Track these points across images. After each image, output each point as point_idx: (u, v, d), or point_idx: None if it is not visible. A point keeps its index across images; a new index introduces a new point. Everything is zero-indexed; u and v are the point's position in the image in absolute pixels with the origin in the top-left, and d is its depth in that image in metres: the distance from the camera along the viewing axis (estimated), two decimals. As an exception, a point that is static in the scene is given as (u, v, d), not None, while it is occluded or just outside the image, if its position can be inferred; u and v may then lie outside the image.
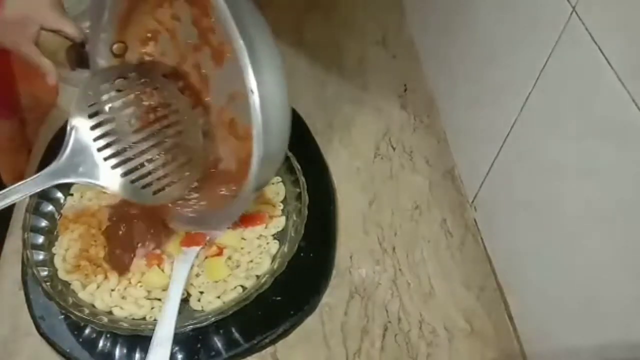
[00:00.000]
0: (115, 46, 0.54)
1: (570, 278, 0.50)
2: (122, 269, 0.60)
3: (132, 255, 0.60)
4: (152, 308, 0.58)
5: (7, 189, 0.47)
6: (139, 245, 0.61)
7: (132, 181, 0.51)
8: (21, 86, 0.80)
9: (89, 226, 0.63)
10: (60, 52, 0.54)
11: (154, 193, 0.52)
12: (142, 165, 0.52)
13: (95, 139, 0.49)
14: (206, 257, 0.62)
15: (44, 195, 0.64)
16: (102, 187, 0.50)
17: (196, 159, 0.55)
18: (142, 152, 0.52)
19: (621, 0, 0.40)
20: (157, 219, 0.61)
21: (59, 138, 0.73)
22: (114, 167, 0.50)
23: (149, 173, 0.52)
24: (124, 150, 0.51)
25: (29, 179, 0.47)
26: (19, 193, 0.47)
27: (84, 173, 0.49)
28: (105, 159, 0.50)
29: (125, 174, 0.51)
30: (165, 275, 0.60)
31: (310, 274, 0.63)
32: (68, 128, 0.49)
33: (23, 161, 0.75)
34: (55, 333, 0.58)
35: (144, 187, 0.52)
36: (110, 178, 0.50)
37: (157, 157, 0.53)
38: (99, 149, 0.50)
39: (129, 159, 0.51)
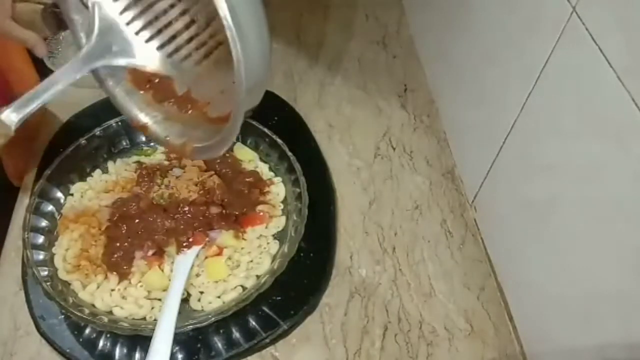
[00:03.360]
0: None
1: (570, 278, 0.50)
2: (121, 273, 0.60)
3: (132, 257, 0.60)
4: (152, 308, 0.58)
5: (44, 81, 0.44)
6: (138, 249, 0.61)
7: (170, 54, 0.47)
8: (11, 77, 0.79)
9: (89, 226, 0.63)
10: (37, 20, 0.53)
11: (196, 64, 0.47)
12: (176, 35, 0.47)
13: (122, 12, 0.45)
14: (206, 257, 0.62)
15: (44, 195, 0.64)
16: (141, 65, 0.45)
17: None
18: (173, 20, 0.47)
19: (621, 0, 0.40)
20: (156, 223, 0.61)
21: (59, 136, 0.74)
22: (148, 40, 0.46)
23: (186, 43, 0.47)
24: (154, 20, 0.46)
25: (63, 67, 0.43)
26: (58, 84, 0.43)
27: (118, 52, 0.45)
28: (137, 32, 0.45)
29: (161, 47, 0.46)
30: (165, 275, 0.60)
31: (310, 274, 0.63)
32: (90, 6, 0.45)
33: (26, 158, 0.75)
34: (55, 333, 0.58)
35: (183, 59, 0.47)
36: (146, 54, 0.45)
37: (190, 24, 0.47)
38: (128, 23, 0.45)
39: (161, 30, 0.46)
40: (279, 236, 0.64)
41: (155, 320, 0.57)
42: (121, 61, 0.45)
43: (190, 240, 0.61)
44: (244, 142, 0.72)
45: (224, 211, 0.63)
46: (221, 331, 0.58)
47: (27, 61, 0.83)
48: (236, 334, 0.58)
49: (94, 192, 0.67)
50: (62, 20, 0.52)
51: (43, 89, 0.43)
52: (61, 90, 0.44)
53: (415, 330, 0.61)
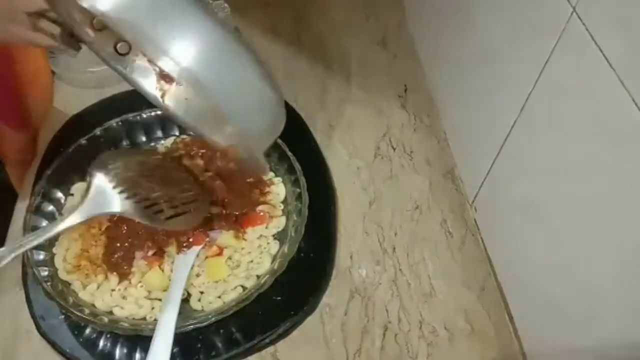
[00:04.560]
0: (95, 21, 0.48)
1: (570, 278, 0.50)
2: (122, 273, 0.60)
3: (132, 257, 0.60)
4: (153, 308, 0.58)
5: (41, 229, 0.53)
6: (138, 249, 0.61)
7: (146, 207, 0.56)
8: (26, 92, 0.79)
9: (89, 226, 0.63)
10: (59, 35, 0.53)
11: (167, 219, 0.57)
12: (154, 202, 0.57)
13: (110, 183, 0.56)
14: (206, 257, 0.62)
15: (45, 195, 0.64)
16: (120, 213, 0.55)
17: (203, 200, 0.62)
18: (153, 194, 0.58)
19: (621, 0, 0.40)
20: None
21: (59, 136, 0.74)
22: (127, 198, 0.55)
23: (163, 204, 0.58)
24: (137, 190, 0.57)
25: (60, 220, 0.53)
26: (51, 232, 0.52)
27: (105, 206, 0.55)
28: (119, 193, 0.55)
29: (137, 202, 0.55)
30: (165, 276, 0.60)
31: (310, 274, 0.63)
32: (87, 177, 0.56)
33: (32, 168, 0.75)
34: (55, 333, 0.58)
35: (156, 212, 0.56)
36: (127, 206, 0.55)
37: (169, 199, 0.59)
38: (114, 188, 0.56)
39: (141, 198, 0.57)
40: (279, 236, 0.64)
41: (155, 320, 0.57)
42: (106, 212, 0.55)
43: (191, 240, 0.61)
44: (244, 142, 0.72)
45: (224, 211, 0.63)
46: (221, 331, 0.58)
47: (43, 54, 0.81)
48: (236, 334, 0.58)
49: (94, 192, 0.67)
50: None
51: (37, 235, 0.51)
52: (53, 236, 0.55)
53: (415, 330, 0.61)
